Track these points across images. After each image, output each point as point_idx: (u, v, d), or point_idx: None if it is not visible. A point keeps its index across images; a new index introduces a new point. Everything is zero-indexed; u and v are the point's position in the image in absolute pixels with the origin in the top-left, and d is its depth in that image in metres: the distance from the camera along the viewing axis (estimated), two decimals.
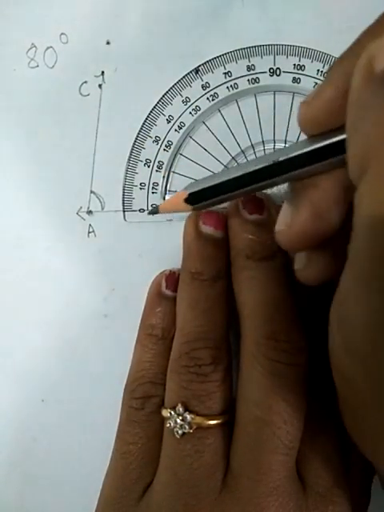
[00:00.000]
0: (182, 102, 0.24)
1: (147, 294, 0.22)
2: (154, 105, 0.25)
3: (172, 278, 0.22)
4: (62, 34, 0.26)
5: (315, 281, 0.17)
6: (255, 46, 0.24)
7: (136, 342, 0.22)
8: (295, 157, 0.16)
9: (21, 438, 0.24)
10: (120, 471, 0.20)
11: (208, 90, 0.24)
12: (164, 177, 0.24)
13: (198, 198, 0.19)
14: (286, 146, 0.16)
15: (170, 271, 0.22)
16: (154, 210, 0.21)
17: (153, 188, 0.24)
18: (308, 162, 0.16)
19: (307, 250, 0.17)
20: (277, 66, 0.24)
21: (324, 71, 0.23)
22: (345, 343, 0.13)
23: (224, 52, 0.24)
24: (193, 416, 0.18)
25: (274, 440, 0.17)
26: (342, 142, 0.14)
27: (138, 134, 0.25)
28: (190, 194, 0.19)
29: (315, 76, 0.23)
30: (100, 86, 0.26)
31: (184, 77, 0.25)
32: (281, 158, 0.16)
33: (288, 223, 0.16)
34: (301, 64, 0.23)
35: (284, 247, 0.17)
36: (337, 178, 0.15)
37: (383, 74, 0.11)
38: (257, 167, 0.17)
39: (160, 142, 0.24)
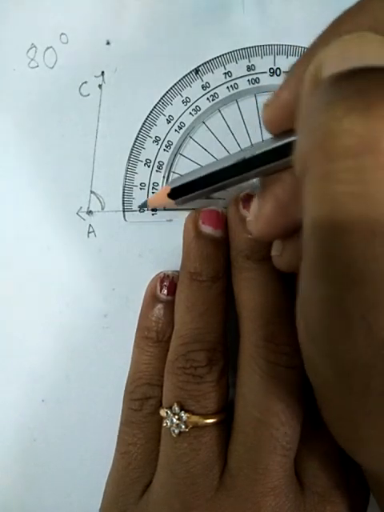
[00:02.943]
0: (182, 102, 0.24)
1: (143, 297, 0.23)
2: (154, 105, 0.25)
3: (166, 281, 0.22)
4: (62, 34, 0.26)
5: (289, 268, 0.19)
6: (255, 46, 0.24)
7: (134, 344, 0.22)
8: (259, 155, 0.17)
9: (21, 437, 0.24)
10: (120, 471, 0.20)
11: (208, 90, 0.24)
12: (164, 177, 0.24)
13: (178, 193, 0.20)
14: (255, 144, 0.18)
15: (165, 274, 0.22)
16: (143, 205, 0.23)
17: (153, 188, 0.24)
18: (270, 160, 0.17)
19: (280, 239, 0.19)
20: (277, 66, 0.24)
21: None
22: (307, 332, 0.14)
23: (224, 52, 0.24)
24: (189, 415, 0.19)
25: (272, 441, 0.17)
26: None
27: (138, 134, 0.25)
28: (172, 189, 0.20)
29: None
30: (100, 86, 0.26)
31: (184, 77, 0.25)
32: (247, 156, 0.18)
33: (255, 214, 0.18)
34: None
35: (254, 236, 0.19)
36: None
37: (328, 80, 0.12)
38: (227, 164, 0.18)
39: (160, 142, 0.24)
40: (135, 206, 0.24)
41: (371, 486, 0.18)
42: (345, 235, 0.11)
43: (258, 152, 0.17)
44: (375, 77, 0.11)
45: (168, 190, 0.21)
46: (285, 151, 0.16)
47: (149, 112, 0.25)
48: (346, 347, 0.12)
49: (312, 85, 0.13)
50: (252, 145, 0.18)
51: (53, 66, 0.26)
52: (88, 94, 0.26)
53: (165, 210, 0.24)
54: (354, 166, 0.10)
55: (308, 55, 0.15)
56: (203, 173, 0.19)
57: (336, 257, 0.11)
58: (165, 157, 0.24)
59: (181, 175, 0.21)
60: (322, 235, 0.12)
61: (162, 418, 0.20)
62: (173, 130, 0.24)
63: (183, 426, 0.18)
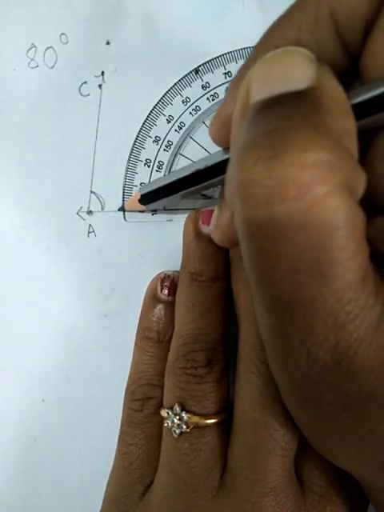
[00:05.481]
0: (182, 102, 0.24)
1: (144, 297, 0.23)
2: (154, 105, 0.25)
3: (167, 281, 0.22)
4: (62, 34, 0.26)
5: None
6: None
7: (134, 344, 0.22)
8: (210, 166, 0.18)
9: (21, 438, 0.24)
10: (122, 471, 0.20)
11: (208, 90, 0.24)
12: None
13: (148, 199, 0.21)
14: (211, 154, 0.18)
15: (166, 274, 0.22)
16: (121, 208, 0.24)
17: None
18: (221, 171, 0.17)
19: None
20: None
21: None
22: (266, 349, 0.14)
23: (224, 52, 0.24)
24: (189, 415, 0.19)
25: (271, 442, 0.17)
26: None
27: (138, 134, 0.25)
28: (142, 196, 0.21)
29: None
30: (100, 86, 0.26)
31: (184, 77, 0.25)
32: (201, 167, 0.18)
33: (214, 223, 0.18)
34: None
35: (219, 244, 0.18)
36: None
37: (252, 109, 0.12)
38: (185, 174, 0.19)
39: (160, 142, 0.24)
40: None
41: (363, 488, 0.18)
42: (274, 272, 0.12)
43: (209, 164, 0.18)
44: (291, 107, 0.11)
45: (138, 197, 0.21)
46: None
47: (149, 112, 0.25)
48: (293, 366, 0.13)
49: (242, 110, 0.13)
50: (209, 155, 0.18)
51: (53, 66, 0.26)
52: (88, 94, 0.26)
53: (165, 209, 0.24)
54: (268, 214, 0.11)
55: (242, 73, 0.15)
56: (166, 181, 0.20)
57: (270, 290, 0.12)
58: (165, 157, 0.24)
59: (150, 182, 0.22)
60: (255, 271, 0.12)
61: (162, 419, 0.20)
62: (173, 129, 0.24)
63: (184, 427, 0.19)
